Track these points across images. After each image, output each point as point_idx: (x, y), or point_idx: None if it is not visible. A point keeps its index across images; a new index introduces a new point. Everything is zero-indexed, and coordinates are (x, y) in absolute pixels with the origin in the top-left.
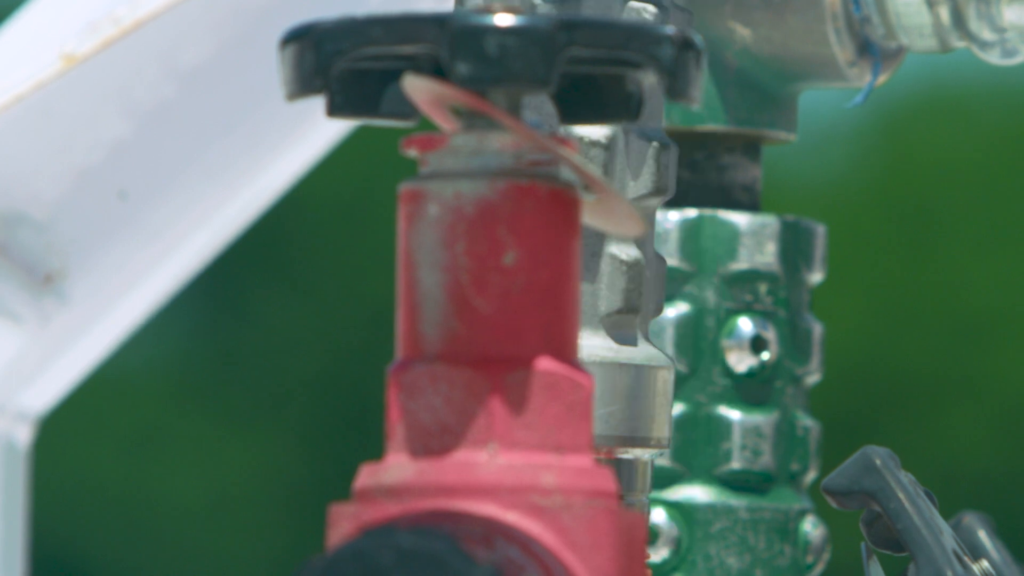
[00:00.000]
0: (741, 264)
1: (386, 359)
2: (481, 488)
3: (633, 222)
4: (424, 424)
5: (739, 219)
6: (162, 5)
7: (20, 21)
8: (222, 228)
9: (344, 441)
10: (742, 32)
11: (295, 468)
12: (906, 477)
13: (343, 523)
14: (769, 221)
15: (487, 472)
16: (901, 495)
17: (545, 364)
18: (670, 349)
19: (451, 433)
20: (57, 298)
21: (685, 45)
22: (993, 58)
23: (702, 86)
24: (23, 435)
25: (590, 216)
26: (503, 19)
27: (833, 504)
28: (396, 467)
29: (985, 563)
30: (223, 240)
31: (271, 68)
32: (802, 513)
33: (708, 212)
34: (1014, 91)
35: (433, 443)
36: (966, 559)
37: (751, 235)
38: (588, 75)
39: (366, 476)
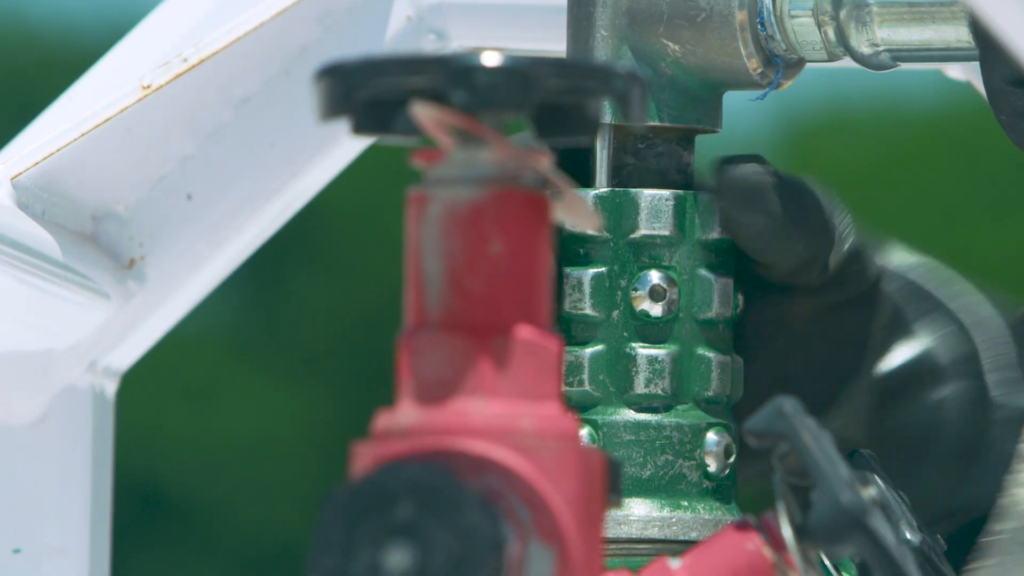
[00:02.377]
0: (644, 230)
1: (397, 327)
2: (473, 430)
3: (591, 218)
4: (427, 379)
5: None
6: (220, 47)
7: (108, 59)
8: (268, 223)
9: (365, 392)
10: (672, 47)
11: (326, 414)
12: (811, 421)
13: (363, 457)
14: (666, 194)
15: (477, 418)
16: (806, 435)
17: (523, 332)
18: (588, 298)
19: (448, 386)
20: (137, 279)
21: (633, 79)
22: (869, 68)
23: (645, 111)
24: (110, 388)
25: (558, 213)
26: (490, 58)
27: (752, 443)
28: (405, 413)
29: (873, 490)
30: (269, 232)
31: (306, 97)
32: (707, 427)
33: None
34: (899, 111)
35: (434, 394)
36: (858, 486)
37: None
38: (559, 103)
39: (381, 420)
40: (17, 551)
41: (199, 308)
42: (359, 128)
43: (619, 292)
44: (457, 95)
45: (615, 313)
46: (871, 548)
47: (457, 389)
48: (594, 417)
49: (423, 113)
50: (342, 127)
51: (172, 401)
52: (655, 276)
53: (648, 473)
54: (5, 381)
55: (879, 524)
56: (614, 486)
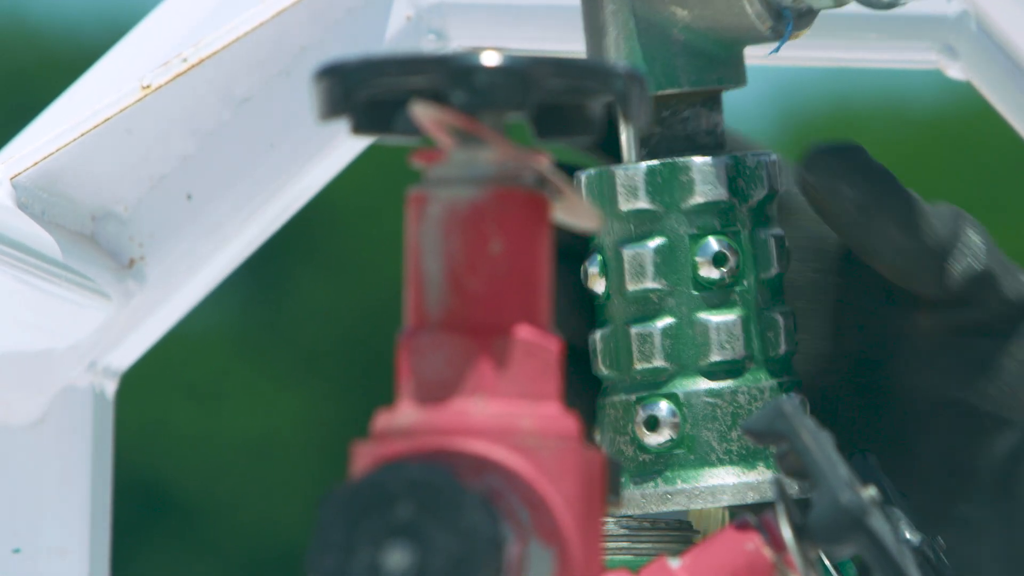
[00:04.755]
0: (699, 198)
1: (399, 326)
2: (473, 430)
3: (591, 218)
4: (427, 379)
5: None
6: (220, 47)
7: (108, 59)
8: (268, 223)
9: (365, 391)
10: (681, 13)
11: (327, 413)
12: (811, 421)
13: (363, 457)
14: (715, 161)
15: (478, 418)
16: (806, 435)
17: (523, 331)
18: (651, 273)
19: (448, 386)
20: (137, 279)
21: (632, 79)
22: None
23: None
24: (110, 388)
25: (558, 213)
26: (490, 58)
27: (753, 443)
28: (405, 413)
29: (872, 490)
30: (269, 232)
31: (306, 97)
32: (781, 386)
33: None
34: (899, 111)
35: (435, 394)
36: (858, 486)
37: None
38: (559, 103)
39: (381, 420)
40: (17, 551)
41: (200, 307)
42: (359, 128)
43: (682, 262)
44: (457, 95)
45: (680, 283)
46: (871, 548)
47: (457, 389)
48: (673, 391)
49: (423, 113)
50: (342, 127)
51: (174, 400)
52: (716, 242)
53: (733, 441)
54: (5, 381)
55: (879, 524)
56: (614, 486)
